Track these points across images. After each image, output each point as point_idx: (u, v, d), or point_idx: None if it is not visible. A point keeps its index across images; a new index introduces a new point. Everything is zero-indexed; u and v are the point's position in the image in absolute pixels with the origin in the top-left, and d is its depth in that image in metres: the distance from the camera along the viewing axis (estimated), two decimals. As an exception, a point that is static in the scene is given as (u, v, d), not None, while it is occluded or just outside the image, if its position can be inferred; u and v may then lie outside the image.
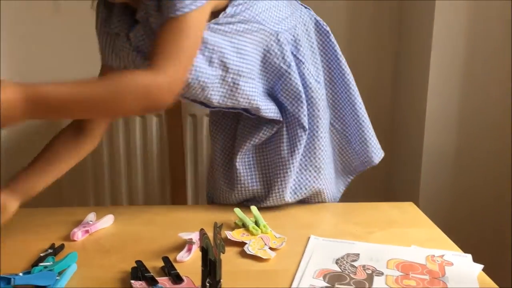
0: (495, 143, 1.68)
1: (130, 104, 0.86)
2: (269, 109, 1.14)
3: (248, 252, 0.95)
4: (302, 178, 1.18)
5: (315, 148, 1.19)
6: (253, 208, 1.11)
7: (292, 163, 1.15)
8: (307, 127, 1.16)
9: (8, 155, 1.82)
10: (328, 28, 1.21)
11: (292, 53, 1.14)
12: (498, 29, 1.61)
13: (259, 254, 0.94)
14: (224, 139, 1.25)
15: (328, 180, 1.23)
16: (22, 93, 0.78)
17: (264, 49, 1.11)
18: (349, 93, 1.24)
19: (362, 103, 1.26)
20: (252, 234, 1.03)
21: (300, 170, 1.18)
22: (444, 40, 1.62)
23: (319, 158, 1.19)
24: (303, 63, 1.16)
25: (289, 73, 1.13)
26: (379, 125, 1.93)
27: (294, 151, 1.15)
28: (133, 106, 0.87)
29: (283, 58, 1.12)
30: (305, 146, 1.18)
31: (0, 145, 1.82)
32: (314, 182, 1.19)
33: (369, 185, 1.97)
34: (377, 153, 1.30)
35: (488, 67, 1.63)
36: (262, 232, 1.04)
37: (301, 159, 1.18)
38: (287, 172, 1.16)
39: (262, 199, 1.20)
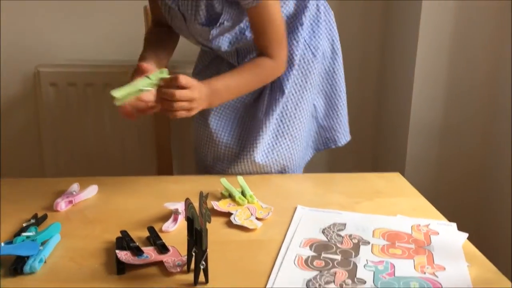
0: (480, 114, 1.69)
1: (265, 83, 1.19)
2: None
3: (235, 222, 0.95)
4: (276, 143, 1.22)
5: (295, 117, 1.23)
6: (240, 179, 1.10)
7: (266, 125, 1.20)
8: (286, 91, 1.21)
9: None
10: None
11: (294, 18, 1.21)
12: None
13: (245, 224, 0.94)
14: None
15: (299, 150, 1.27)
16: (207, 89, 1.03)
17: None
18: (335, 74, 1.31)
19: (344, 85, 1.34)
20: (238, 204, 1.02)
21: (276, 136, 1.22)
22: (433, 9, 1.60)
23: (296, 128, 1.23)
24: (301, 32, 1.21)
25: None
26: (366, 96, 1.94)
27: (269, 113, 1.20)
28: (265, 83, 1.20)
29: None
30: (286, 114, 1.22)
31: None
32: (286, 150, 1.23)
33: (356, 156, 1.98)
34: (345, 136, 1.37)
35: (476, 38, 1.62)
36: (248, 202, 1.03)
37: (279, 125, 1.22)
38: (259, 133, 1.20)
39: (234, 158, 1.23)
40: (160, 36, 1.23)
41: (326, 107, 1.33)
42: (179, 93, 0.96)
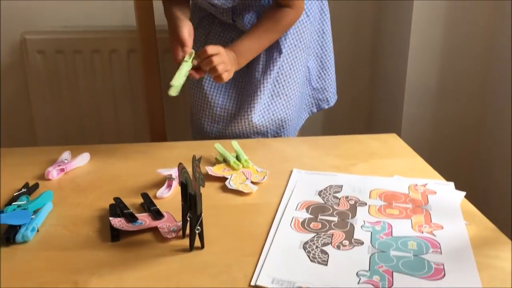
0: (476, 73, 1.67)
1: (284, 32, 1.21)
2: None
3: (230, 187, 0.93)
4: (272, 104, 1.23)
5: (290, 77, 1.23)
6: (234, 143, 1.08)
7: (264, 84, 1.21)
8: (283, 51, 1.21)
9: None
10: None
11: None
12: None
13: (240, 188, 0.93)
14: (198, 47, 1.29)
15: (295, 111, 1.27)
16: (232, 53, 1.12)
17: None
18: (324, 34, 1.32)
19: (332, 44, 1.35)
20: (233, 169, 1.01)
21: (272, 96, 1.23)
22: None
23: (292, 88, 1.24)
24: None
25: None
26: (362, 57, 1.90)
27: (267, 72, 1.21)
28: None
29: None
30: (282, 74, 1.22)
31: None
32: (282, 110, 1.24)
33: (351, 119, 1.96)
34: (334, 95, 1.40)
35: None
36: (243, 167, 1.02)
37: (275, 85, 1.22)
38: (257, 93, 1.20)
39: (230, 119, 1.23)
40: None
41: (318, 68, 1.33)
42: (215, 58, 1.06)
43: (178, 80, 1.02)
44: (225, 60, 1.08)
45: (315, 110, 1.38)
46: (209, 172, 0.99)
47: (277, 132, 1.26)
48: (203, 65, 1.07)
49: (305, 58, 1.26)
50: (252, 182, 0.96)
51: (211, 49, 1.06)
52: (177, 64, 1.06)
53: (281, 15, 1.16)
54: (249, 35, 1.17)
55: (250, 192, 0.92)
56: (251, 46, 1.16)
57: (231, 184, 0.94)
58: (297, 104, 1.27)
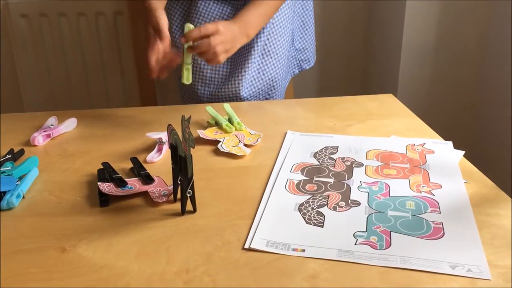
0: (472, 31, 1.63)
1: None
2: None
3: (222, 150, 0.91)
4: (263, 63, 1.20)
5: (280, 36, 1.22)
6: (226, 106, 1.05)
7: (258, 43, 1.18)
8: None
9: None
10: None
11: None
12: None
13: (233, 151, 0.90)
14: (181, 15, 1.24)
15: (284, 71, 1.26)
16: (237, 25, 1.05)
17: None
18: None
19: (313, 7, 1.34)
20: (226, 132, 0.98)
21: (262, 55, 1.20)
22: None
23: (281, 47, 1.22)
24: None
25: None
26: (357, 18, 1.85)
27: (259, 32, 1.17)
28: None
29: None
30: (273, 32, 1.20)
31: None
32: (273, 69, 1.22)
33: (347, 81, 1.92)
34: (314, 55, 1.39)
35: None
36: (236, 129, 0.99)
37: (266, 45, 1.20)
38: (250, 52, 1.18)
39: (222, 81, 1.20)
40: None
41: (300, 28, 1.31)
42: (213, 40, 0.99)
43: (187, 78, 1.01)
44: (227, 38, 1.01)
45: (297, 71, 1.37)
46: (201, 136, 0.96)
47: (268, 93, 1.24)
48: (199, 46, 0.99)
49: (291, 18, 1.24)
50: (246, 145, 0.93)
51: (209, 27, 0.98)
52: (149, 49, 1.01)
53: None
54: (252, 4, 1.10)
55: (244, 155, 0.89)
56: (258, 13, 1.10)
57: (224, 147, 0.91)
58: (285, 63, 1.26)
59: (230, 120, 1.01)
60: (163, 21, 1.00)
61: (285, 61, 1.26)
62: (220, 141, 0.94)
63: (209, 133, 0.97)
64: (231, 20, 1.07)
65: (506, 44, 1.53)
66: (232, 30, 1.03)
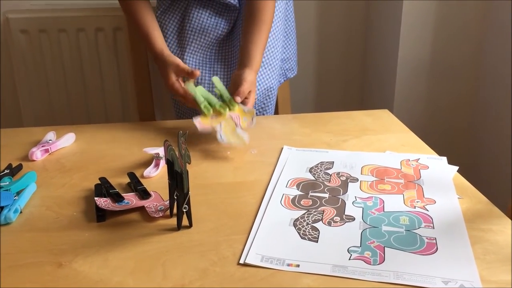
0: (468, 48, 1.65)
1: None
2: None
3: (221, 141, 0.94)
4: (259, 74, 1.21)
5: (273, 46, 1.24)
6: (215, 79, 1.06)
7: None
8: None
9: None
10: None
11: None
12: None
13: (232, 141, 0.92)
14: (175, 29, 1.26)
15: (277, 81, 1.29)
16: (253, 73, 1.09)
17: None
18: (288, 2, 1.33)
19: (294, 15, 1.39)
20: (220, 114, 1.00)
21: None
22: None
23: (274, 57, 1.25)
24: None
25: None
26: (354, 33, 1.87)
27: None
28: None
29: None
30: (267, 46, 1.21)
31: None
32: (267, 79, 1.24)
33: (343, 96, 1.94)
34: (296, 66, 1.42)
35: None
36: (229, 109, 1.01)
37: (262, 56, 1.21)
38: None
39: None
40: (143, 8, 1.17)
41: (285, 38, 1.34)
42: (252, 101, 1.06)
43: (207, 120, 1.01)
44: (253, 89, 1.09)
45: (283, 80, 1.39)
46: (198, 125, 0.98)
47: (264, 102, 1.27)
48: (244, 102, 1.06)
49: (283, 29, 1.28)
50: (242, 129, 0.98)
51: (242, 95, 1.03)
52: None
53: (265, 9, 1.15)
54: (254, 44, 1.13)
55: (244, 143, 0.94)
56: (262, 47, 1.14)
57: (223, 136, 0.95)
58: (278, 72, 1.29)
59: (222, 98, 1.03)
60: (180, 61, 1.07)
61: (278, 70, 1.29)
62: (218, 130, 0.96)
63: (205, 121, 0.99)
64: (248, 67, 1.09)
65: (501, 59, 1.54)
66: (251, 78, 1.08)
